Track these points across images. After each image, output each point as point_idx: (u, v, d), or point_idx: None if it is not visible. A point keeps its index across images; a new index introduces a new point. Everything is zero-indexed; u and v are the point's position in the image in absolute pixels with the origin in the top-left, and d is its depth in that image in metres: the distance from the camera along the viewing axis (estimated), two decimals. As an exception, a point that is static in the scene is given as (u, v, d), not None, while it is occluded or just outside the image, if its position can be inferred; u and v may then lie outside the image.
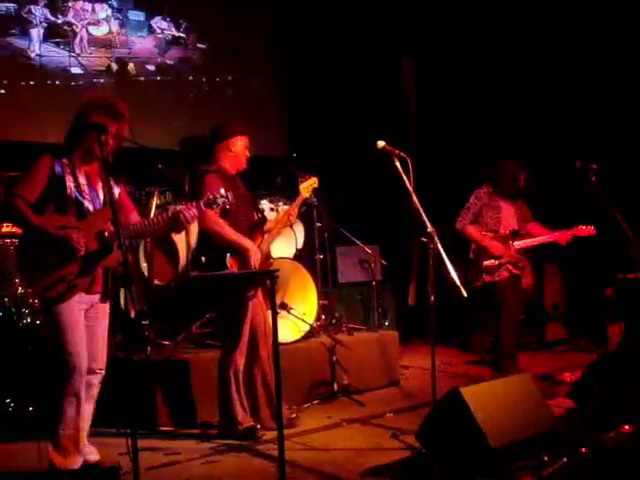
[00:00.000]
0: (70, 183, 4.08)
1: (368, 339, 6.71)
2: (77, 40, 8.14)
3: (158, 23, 8.77)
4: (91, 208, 4.13)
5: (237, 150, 5.12)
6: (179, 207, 4.25)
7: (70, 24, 8.11)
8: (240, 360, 5.02)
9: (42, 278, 3.98)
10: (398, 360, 6.79)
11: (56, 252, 3.97)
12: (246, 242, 5.01)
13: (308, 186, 5.36)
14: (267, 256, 5.22)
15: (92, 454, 4.24)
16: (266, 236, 5.22)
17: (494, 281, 6.30)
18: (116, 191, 4.23)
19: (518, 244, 6.34)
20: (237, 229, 5.02)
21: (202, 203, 4.24)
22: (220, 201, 4.26)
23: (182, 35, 8.89)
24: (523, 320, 7.10)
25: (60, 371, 4.03)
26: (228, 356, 5.00)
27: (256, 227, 5.22)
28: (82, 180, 4.14)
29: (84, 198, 4.12)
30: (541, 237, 6.41)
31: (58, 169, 4.08)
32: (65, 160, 4.13)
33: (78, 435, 4.10)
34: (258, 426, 5.00)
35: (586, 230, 6.34)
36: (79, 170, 4.15)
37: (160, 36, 8.77)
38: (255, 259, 4.98)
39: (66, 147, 4.18)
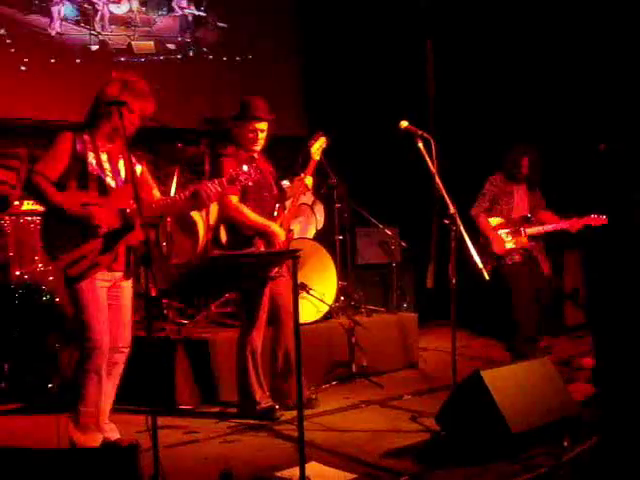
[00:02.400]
0: (92, 160, 4.08)
1: (387, 321, 6.70)
2: (98, 18, 8.11)
3: (178, 2, 8.72)
4: (113, 185, 4.13)
5: (241, 134, 5.00)
6: (201, 184, 4.24)
7: (91, 2, 8.08)
8: (258, 339, 5.02)
9: (64, 255, 3.99)
10: (417, 342, 6.77)
11: (78, 229, 3.98)
12: (270, 225, 4.98)
13: (318, 148, 5.28)
14: (287, 230, 5.17)
15: (112, 432, 4.25)
16: (286, 211, 5.19)
17: (506, 264, 6.33)
18: (138, 169, 4.22)
19: (530, 231, 6.36)
20: (262, 210, 5.00)
21: (224, 180, 4.23)
22: (243, 177, 4.26)
23: (202, 14, 8.84)
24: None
25: (82, 348, 4.04)
26: (246, 335, 5.00)
27: (280, 203, 5.19)
28: (103, 157, 4.13)
29: (106, 175, 4.11)
30: (552, 224, 6.42)
31: (79, 146, 4.07)
32: (87, 137, 4.11)
33: (99, 413, 4.11)
34: (277, 406, 5.00)
35: (598, 220, 6.29)
36: (101, 147, 4.14)
37: (179, 14, 8.72)
38: (280, 241, 4.97)
39: (88, 124, 4.16)
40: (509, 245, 6.37)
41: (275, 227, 5.00)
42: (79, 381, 4.07)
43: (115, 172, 4.16)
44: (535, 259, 6.44)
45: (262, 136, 5.02)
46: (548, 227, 6.42)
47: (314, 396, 5.27)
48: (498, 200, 6.44)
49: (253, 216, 4.93)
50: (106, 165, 4.13)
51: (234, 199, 4.89)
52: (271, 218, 5.07)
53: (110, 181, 4.12)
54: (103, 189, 4.09)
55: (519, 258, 6.35)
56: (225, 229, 4.99)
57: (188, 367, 5.38)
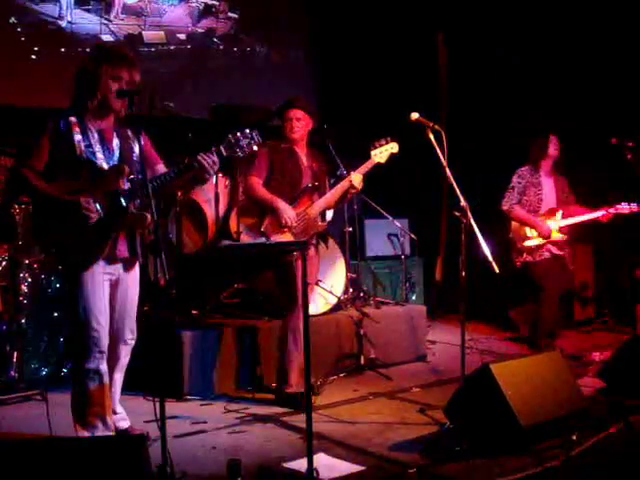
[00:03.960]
0: (80, 143, 3.82)
1: (395, 313, 6.68)
2: (115, 7, 8.10)
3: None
4: (106, 167, 3.87)
5: (285, 125, 5.23)
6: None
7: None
8: (300, 320, 4.99)
9: (58, 247, 3.79)
10: (425, 335, 6.76)
11: (69, 219, 3.75)
12: (277, 202, 5.12)
13: (384, 151, 5.24)
14: (316, 219, 5.25)
15: (123, 421, 4.18)
16: (317, 201, 5.25)
17: (535, 261, 6.40)
18: (136, 147, 3.94)
19: (559, 223, 6.36)
20: (279, 195, 5.16)
21: (222, 147, 3.92)
22: (244, 142, 3.92)
23: (215, 3, 8.81)
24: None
25: (79, 346, 3.86)
26: (289, 316, 5.06)
27: (305, 192, 5.26)
28: (94, 138, 3.88)
29: (96, 157, 3.85)
30: (582, 216, 6.39)
31: (63, 129, 3.81)
32: (72, 118, 3.85)
33: (104, 411, 3.93)
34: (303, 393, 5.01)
35: (629, 209, 6.28)
36: (91, 127, 3.89)
37: (194, 4, 8.70)
38: (287, 217, 5.09)
39: (74, 104, 3.92)
40: (536, 242, 6.40)
41: (281, 204, 5.13)
42: (80, 382, 3.89)
43: (108, 152, 3.91)
44: (561, 257, 6.45)
45: (298, 125, 5.22)
46: (579, 219, 6.40)
47: (319, 383, 5.34)
48: (526, 191, 6.46)
49: (262, 191, 5.17)
50: (97, 147, 3.87)
51: (255, 179, 5.18)
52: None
53: (102, 162, 3.86)
54: (95, 173, 3.82)
55: (548, 255, 6.39)
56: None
57: (196, 357, 5.37)
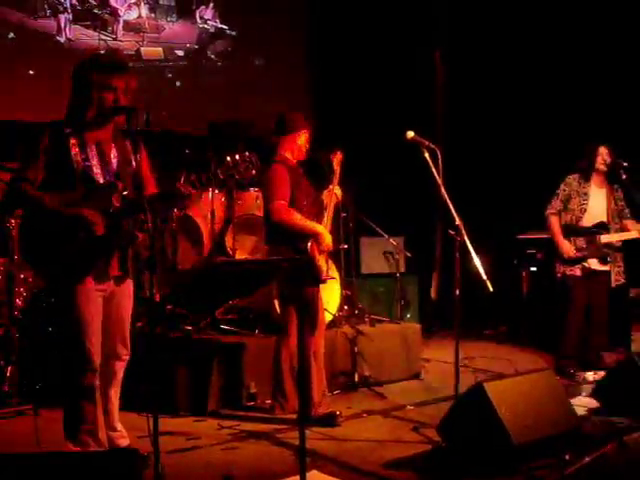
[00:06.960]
0: (77, 157, 3.74)
1: (390, 331, 6.68)
2: (120, 25, 8.17)
3: (201, 12, 8.78)
4: (101, 181, 3.80)
5: (301, 143, 5.10)
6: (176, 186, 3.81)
7: (114, 9, 8.15)
8: (320, 339, 5.10)
9: (51, 264, 3.74)
10: (420, 353, 6.75)
11: (63, 234, 3.69)
12: (316, 227, 4.99)
13: (338, 161, 5.34)
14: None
15: (122, 439, 4.08)
16: (325, 220, 5.19)
17: (567, 275, 6.25)
18: (133, 162, 3.87)
19: (605, 238, 6.15)
20: (308, 212, 5.03)
21: (219, 171, 3.77)
22: (242, 167, 3.77)
23: (224, 27, 8.88)
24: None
25: (73, 363, 3.81)
26: (308, 338, 4.90)
27: (324, 211, 5.23)
28: (92, 151, 3.80)
29: (93, 171, 3.78)
30: (631, 232, 6.17)
31: (60, 142, 3.75)
32: (69, 130, 3.78)
33: (97, 428, 3.87)
34: (338, 412, 5.00)
35: None
36: (88, 138, 3.81)
37: (202, 26, 8.77)
38: (327, 242, 4.98)
39: (70, 115, 3.85)
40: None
41: (322, 228, 5.02)
42: (72, 399, 3.85)
43: (106, 165, 3.84)
44: (602, 273, 6.22)
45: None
46: (625, 235, 6.18)
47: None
48: (570, 200, 6.22)
49: (298, 218, 4.92)
50: (94, 160, 3.80)
51: (283, 203, 4.89)
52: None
53: (99, 178, 3.80)
54: (90, 187, 3.75)
55: (577, 272, 6.19)
56: (279, 239, 4.97)
57: (191, 373, 5.38)
